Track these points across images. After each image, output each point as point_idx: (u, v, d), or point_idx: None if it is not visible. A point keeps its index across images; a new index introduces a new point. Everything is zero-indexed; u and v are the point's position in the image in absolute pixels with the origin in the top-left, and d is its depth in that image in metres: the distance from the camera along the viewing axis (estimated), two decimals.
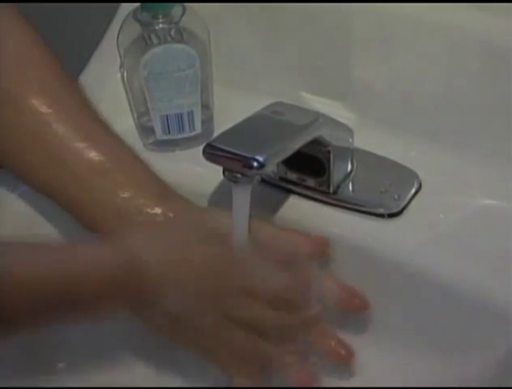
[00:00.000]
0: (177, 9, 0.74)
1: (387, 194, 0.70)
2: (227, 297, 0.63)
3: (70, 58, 0.87)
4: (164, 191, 0.68)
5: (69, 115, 0.68)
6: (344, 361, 0.67)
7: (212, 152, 0.62)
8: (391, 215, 0.69)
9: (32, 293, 0.57)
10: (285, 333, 0.65)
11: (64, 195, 0.67)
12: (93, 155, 0.66)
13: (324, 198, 0.71)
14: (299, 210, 0.71)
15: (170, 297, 0.62)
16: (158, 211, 0.65)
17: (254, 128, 0.65)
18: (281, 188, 0.73)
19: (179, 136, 0.77)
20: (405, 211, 0.70)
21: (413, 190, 0.71)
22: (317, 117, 0.66)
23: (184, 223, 0.65)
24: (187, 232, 0.64)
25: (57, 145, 0.66)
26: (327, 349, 0.66)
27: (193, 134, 0.77)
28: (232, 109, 0.74)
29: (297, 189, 0.72)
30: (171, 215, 0.66)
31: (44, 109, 0.67)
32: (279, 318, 0.65)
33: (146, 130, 0.77)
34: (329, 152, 0.69)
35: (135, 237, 0.63)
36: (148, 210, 0.65)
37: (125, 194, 0.66)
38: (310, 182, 0.71)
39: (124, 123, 0.78)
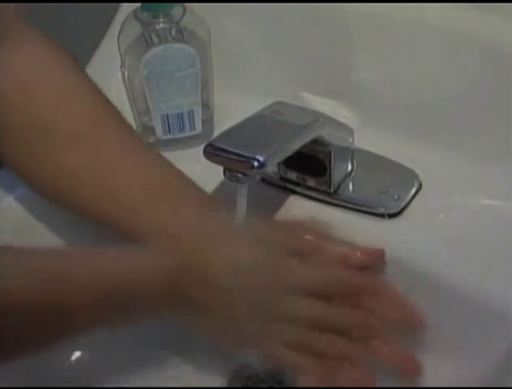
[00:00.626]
0: (177, 9, 0.74)
1: (387, 194, 0.70)
2: (283, 296, 0.62)
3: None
4: (212, 204, 0.67)
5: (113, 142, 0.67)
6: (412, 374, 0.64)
7: (213, 152, 0.62)
8: (391, 215, 0.70)
9: (89, 294, 0.57)
10: (349, 331, 0.64)
11: (115, 224, 0.66)
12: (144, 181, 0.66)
13: (324, 198, 0.71)
14: (299, 210, 0.71)
15: (224, 298, 0.61)
16: (207, 225, 0.64)
17: (255, 128, 0.65)
18: (281, 188, 0.73)
19: (179, 135, 0.77)
20: (405, 211, 0.70)
21: (413, 190, 0.71)
22: (318, 117, 0.66)
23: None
24: (240, 235, 0.64)
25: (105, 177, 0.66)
26: (392, 360, 0.64)
27: (193, 133, 0.77)
28: (233, 109, 0.74)
29: (298, 188, 0.72)
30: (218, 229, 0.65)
31: (90, 140, 0.66)
32: (343, 315, 0.64)
33: (146, 130, 0.78)
34: (329, 152, 0.69)
35: (189, 240, 0.62)
36: (196, 224, 0.65)
37: (175, 218, 0.65)
38: (310, 182, 0.71)
39: None
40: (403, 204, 0.70)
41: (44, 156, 0.66)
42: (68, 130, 0.66)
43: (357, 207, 0.70)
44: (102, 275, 0.58)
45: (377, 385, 0.63)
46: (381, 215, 0.70)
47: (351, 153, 0.72)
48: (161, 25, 0.73)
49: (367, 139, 0.73)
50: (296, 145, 0.64)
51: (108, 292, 0.58)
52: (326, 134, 0.67)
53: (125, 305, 0.59)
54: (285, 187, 0.73)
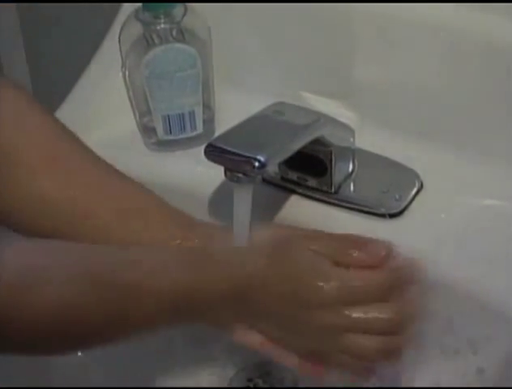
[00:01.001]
0: (178, 9, 0.74)
1: (388, 194, 0.70)
2: (323, 306, 0.60)
3: (72, 58, 0.87)
4: (186, 221, 0.66)
5: (74, 169, 0.66)
6: None
7: (214, 152, 0.62)
8: (392, 215, 0.70)
9: (162, 305, 0.58)
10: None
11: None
12: (110, 202, 0.65)
13: (325, 198, 0.71)
14: (300, 210, 0.71)
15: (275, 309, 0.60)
16: (186, 240, 0.64)
17: (256, 128, 0.65)
18: (282, 188, 0.73)
19: (180, 136, 0.77)
20: (406, 211, 0.70)
21: (414, 190, 0.71)
22: (319, 117, 0.67)
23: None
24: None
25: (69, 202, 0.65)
26: None
27: (194, 133, 0.77)
28: (234, 109, 0.74)
29: (299, 189, 0.72)
30: (200, 241, 0.64)
31: (50, 169, 0.65)
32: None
33: (148, 130, 0.78)
34: (330, 152, 0.69)
35: (257, 256, 0.61)
36: (176, 241, 0.64)
37: (149, 234, 0.64)
38: (311, 182, 0.71)
39: (126, 123, 0.79)
40: (404, 204, 0.70)
41: (11, 183, 0.65)
42: (31, 156, 0.65)
43: (358, 208, 0.70)
44: (175, 289, 0.58)
45: None
46: (383, 216, 0.70)
47: (352, 153, 0.72)
48: (162, 25, 0.73)
49: (368, 139, 0.73)
50: (297, 145, 0.64)
51: (178, 302, 0.58)
52: (327, 134, 0.67)
53: (191, 310, 0.60)
54: (286, 187, 0.73)
